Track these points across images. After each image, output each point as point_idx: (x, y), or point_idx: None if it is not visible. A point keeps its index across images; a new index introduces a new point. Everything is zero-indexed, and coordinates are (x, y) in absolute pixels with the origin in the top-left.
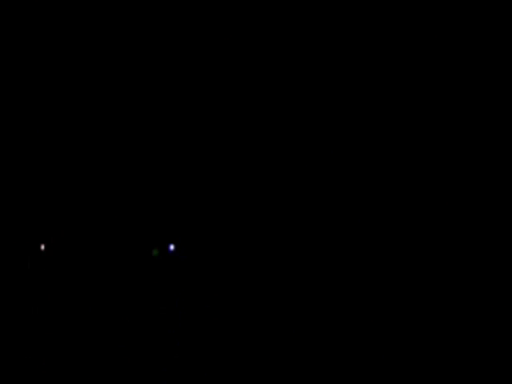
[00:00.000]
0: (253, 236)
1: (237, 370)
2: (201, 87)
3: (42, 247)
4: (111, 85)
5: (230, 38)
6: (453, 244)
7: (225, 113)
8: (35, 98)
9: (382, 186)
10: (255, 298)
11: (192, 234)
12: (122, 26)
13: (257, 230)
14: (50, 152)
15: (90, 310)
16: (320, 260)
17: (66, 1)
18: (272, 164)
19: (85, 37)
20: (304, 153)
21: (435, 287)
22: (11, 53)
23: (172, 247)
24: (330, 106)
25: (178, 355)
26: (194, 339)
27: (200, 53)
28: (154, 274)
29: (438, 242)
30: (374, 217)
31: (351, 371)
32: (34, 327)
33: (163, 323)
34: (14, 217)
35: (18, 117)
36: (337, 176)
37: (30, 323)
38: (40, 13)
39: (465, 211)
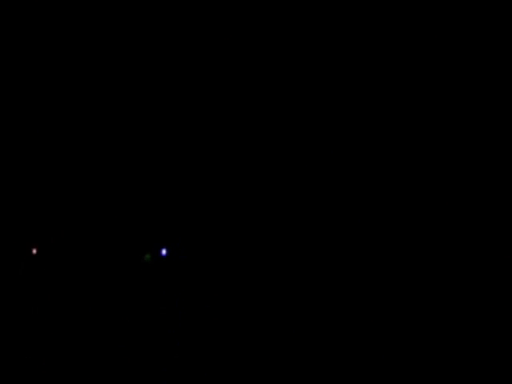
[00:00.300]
0: (248, 239)
1: (233, 371)
2: (200, 88)
3: (34, 251)
4: (111, 85)
5: (230, 38)
6: (452, 244)
7: (217, 117)
8: (35, 98)
9: (382, 186)
10: (250, 301)
11: (187, 237)
12: (122, 26)
13: (252, 233)
14: (38, 157)
15: (85, 312)
16: (318, 261)
17: (67, 1)
18: (268, 166)
19: (85, 37)
20: (304, 153)
21: (435, 287)
22: (11, 53)
23: (164, 252)
24: (329, 106)
25: (175, 356)
26: (190, 340)
27: (200, 53)
28: (150, 276)
29: (438, 242)
30: (373, 217)
31: (351, 371)
32: (30, 332)
33: (158, 324)
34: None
35: (13, 119)
36: (337, 176)
37: (25, 327)
38: (40, 13)
39: (464, 211)
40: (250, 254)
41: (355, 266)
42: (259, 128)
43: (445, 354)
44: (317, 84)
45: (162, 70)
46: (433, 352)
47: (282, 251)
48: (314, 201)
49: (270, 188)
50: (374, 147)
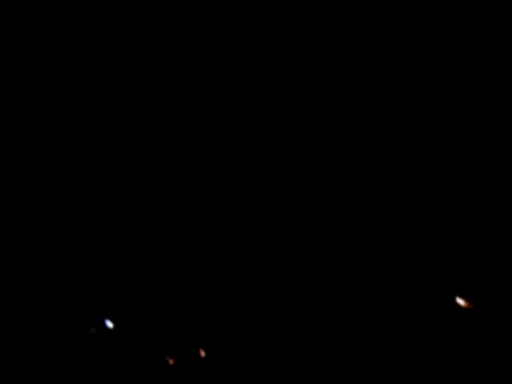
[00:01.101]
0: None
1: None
2: (200, 88)
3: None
4: (111, 85)
5: (230, 38)
6: (452, 245)
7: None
8: (35, 98)
9: (382, 187)
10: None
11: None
12: (122, 25)
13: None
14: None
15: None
16: (317, 262)
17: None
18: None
19: (85, 37)
20: (304, 153)
21: (434, 287)
22: (11, 53)
23: (110, 324)
24: (329, 107)
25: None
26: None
27: (200, 53)
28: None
29: (437, 242)
30: (373, 217)
31: (351, 371)
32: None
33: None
34: None
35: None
36: (337, 176)
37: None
38: (40, 13)
39: (464, 213)
40: (247, 257)
41: (354, 265)
42: (258, 129)
43: (444, 354)
44: (317, 84)
45: (162, 70)
46: (432, 351)
47: (279, 254)
48: (313, 201)
49: (267, 190)
50: (374, 147)
